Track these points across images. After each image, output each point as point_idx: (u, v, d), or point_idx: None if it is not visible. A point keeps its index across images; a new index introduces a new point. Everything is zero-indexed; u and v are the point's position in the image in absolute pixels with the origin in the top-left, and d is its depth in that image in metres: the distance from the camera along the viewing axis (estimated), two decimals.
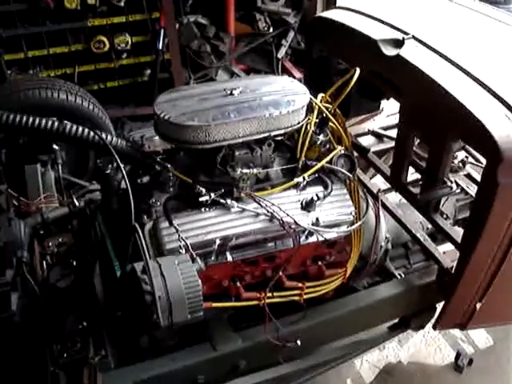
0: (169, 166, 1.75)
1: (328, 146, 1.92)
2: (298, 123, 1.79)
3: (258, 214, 1.68)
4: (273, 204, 1.69)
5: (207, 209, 1.67)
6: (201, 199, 1.65)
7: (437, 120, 1.82)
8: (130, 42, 3.88)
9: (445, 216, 2.10)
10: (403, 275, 2.23)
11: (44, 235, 2.14)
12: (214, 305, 1.71)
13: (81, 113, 2.60)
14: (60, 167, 2.56)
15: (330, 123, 1.89)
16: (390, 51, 1.94)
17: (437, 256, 1.98)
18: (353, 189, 1.91)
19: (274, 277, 1.76)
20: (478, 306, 1.95)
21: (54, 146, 2.56)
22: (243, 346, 1.80)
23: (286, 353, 1.85)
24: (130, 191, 1.58)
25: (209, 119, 1.65)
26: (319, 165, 1.82)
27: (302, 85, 1.89)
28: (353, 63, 2.07)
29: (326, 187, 1.81)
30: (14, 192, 2.19)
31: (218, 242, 1.62)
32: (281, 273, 1.80)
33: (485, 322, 2.13)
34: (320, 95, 1.92)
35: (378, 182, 2.39)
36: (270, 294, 1.78)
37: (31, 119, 1.59)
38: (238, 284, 1.77)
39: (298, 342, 1.83)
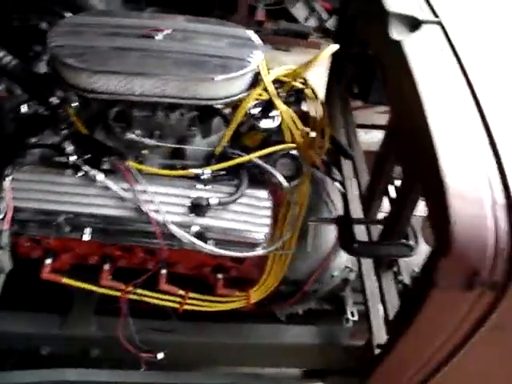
0: (73, 104, 1.39)
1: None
2: (227, 98, 1.32)
3: (123, 199, 1.31)
4: (147, 191, 1.29)
5: (68, 173, 1.30)
6: (57, 159, 1.29)
7: (410, 151, 1.24)
8: None
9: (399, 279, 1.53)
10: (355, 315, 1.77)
11: None
12: (65, 281, 1.41)
13: None
14: None
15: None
16: (397, 33, 1.32)
17: (372, 325, 1.47)
18: (284, 202, 1.44)
19: (145, 274, 1.40)
20: None
21: None
22: (94, 334, 1.49)
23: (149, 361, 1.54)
24: None
25: (96, 63, 1.23)
26: (239, 160, 1.34)
27: (261, 45, 1.37)
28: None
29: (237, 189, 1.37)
30: None
31: (62, 216, 1.28)
32: (163, 271, 1.44)
33: None
34: (285, 67, 1.40)
35: None
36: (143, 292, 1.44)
37: None
38: (106, 267, 1.44)
39: (159, 356, 1.49)
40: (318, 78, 1.86)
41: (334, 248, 1.62)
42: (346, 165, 1.76)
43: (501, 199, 0.98)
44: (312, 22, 3.67)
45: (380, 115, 1.97)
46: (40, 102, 1.43)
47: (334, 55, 1.69)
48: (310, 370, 1.68)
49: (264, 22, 3.62)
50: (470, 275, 0.97)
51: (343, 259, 1.68)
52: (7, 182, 1.22)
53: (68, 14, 2.15)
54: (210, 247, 1.28)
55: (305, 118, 1.51)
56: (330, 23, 3.48)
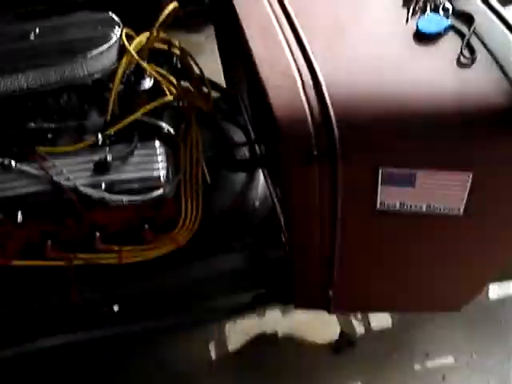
0: None
1: None
2: (100, 72, 1.62)
3: (39, 176, 1.61)
4: (55, 166, 1.60)
5: None
6: None
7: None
8: None
9: None
10: None
11: None
12: (16, 263, 1.72)
13: None
14: None
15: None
16: None
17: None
18: (183, 147, 1.73)
19: (79, 237, 1.71)
20: (331, 293, 1.72)
21: None
22: (57, 303, 1.79)
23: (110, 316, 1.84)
24: None
25: None
26: (127, 120, 1.64)
27: (120, 24, 1.68)
28: None
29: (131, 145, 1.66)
30: None
31: None
32: (97, 234, 1.74)
33: (349, 309, 1.88)
34: (144, 35, 1.70)
35: None
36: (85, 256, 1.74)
37: None
38: (48, 242, 1.75)
39: (115, 308, 1.79)
40: None
41: (247, 181, 1.92)
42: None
43: (309, 81, 1.27)
44: None
45: None
46: None
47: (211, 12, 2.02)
48: (257, 295, 1.97)
49: None
50: (304, 150, 1.26)
51: (262, 191, 1.98)
52: None
53: None
54: (119, 197, 1.58)
55: (184, 72, 1.82)
56: None
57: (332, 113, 1.27)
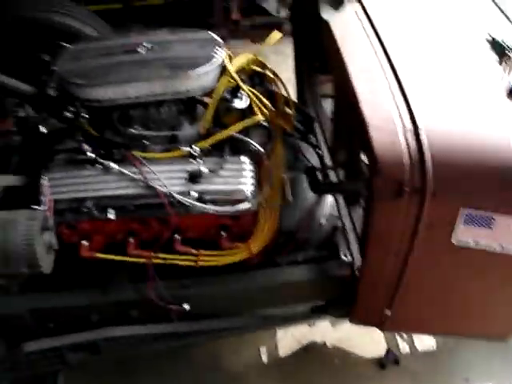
0: (83, 114, 1.84)
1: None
2: (201, 89, 1.76)
3: (134, 180, 1.74)
4: (152, 171, 1.74)
5: (88, 167, 1.76)
6: (80, 157, 1.75)
7: (345, 108, 1.66)
8: None
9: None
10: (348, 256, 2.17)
11: None
12: (98, 255, 1.86)
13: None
14: None
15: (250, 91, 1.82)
16: (326, 12, 1.74)
17: (352, 252, 1.88)
18: (266, 165, 1.86)
19: (162, 239, 1.85)
20: (388, 312, 1.85)
21: None
22: (132, 298, 1.95)
23: (179, 313, 1.98)
24: None
25: (97, 79, 1.70)
26: (221, 135, 1.78)
27: (222, 44, 1.82)
28: None
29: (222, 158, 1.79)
30: None
31: (89, 200, 1.74)
32: (177, 236, 1.87)
33: (402, 328, 2.01)
34: (244, 56, 1.83)
35: None
36: (164, 255, 1.87)
37: None
38: (131, 239, 1.89)
39: (186, 307, 1.93)
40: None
41: (316, 199, 2.06)
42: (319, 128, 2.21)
43: (409, 126, 1.40)
44: (283, 13, 4.18)
45: None
46: (57, 118, 1.90)
47: (295, 36, 2.15)
48: (314, 306, 2.10)
49: (239, 20, 4.16)
50: (397, 186, 1.39)
51: (328, 209, 2.11)
52: (45, 181, 1.69)
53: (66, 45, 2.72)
54: (208, 206, 1.72)
55: (271, 95, 1.95)
56: None
57: (428, 156, 1.41)
